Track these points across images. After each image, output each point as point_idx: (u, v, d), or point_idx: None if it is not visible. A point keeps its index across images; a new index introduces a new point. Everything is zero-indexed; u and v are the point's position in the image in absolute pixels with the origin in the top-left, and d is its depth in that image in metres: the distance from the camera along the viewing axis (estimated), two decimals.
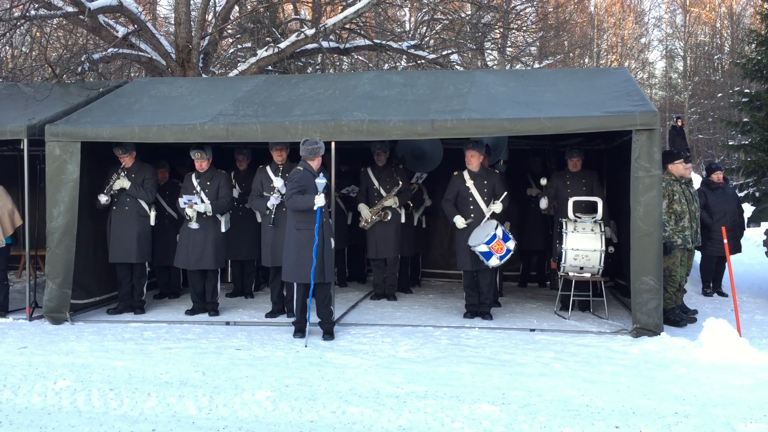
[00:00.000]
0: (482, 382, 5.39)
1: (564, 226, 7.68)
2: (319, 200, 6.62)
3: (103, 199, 7.81)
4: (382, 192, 8.79)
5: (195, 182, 7.83)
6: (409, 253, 9.34)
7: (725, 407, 4.82)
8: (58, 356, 6.18)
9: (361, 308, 8.40)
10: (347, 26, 13.69)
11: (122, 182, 7.87)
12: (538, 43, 24.52)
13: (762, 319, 7.87)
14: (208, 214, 7.77)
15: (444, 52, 16.47)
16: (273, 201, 7.67)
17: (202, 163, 7.82)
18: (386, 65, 17.08)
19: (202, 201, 7.76)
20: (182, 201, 7.73)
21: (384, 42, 14.36)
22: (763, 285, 9.99)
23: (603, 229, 7.63)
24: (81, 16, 11.10)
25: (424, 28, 18.34)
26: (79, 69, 11.21)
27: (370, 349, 6.40)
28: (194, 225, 7.76)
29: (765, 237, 9.49)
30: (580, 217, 7.78)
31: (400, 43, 14.50)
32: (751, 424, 4.51)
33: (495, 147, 8.98)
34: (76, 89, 9.12)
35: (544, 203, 8.37)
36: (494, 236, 7.36)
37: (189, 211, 7.74)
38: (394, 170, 8.91)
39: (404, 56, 15.34)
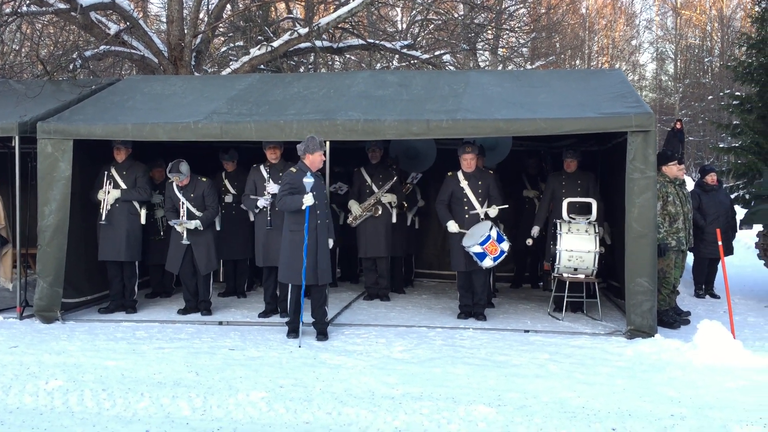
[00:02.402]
0: (478, 384, 5.38)
1: (558, 227, 7.67)
2: (307, 199, 6.55)
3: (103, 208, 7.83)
4: (375, 189, 8.74)
5: (179, 194, 7.74)
6: (401, 253, 9.30)
7: (721, 410, 4.82)
8: (50, 356, 6.11)
9: (354, 308, 8.37)
10: (340, 26, 13.65)
11: (114, 194, 7.83)
12: (529, 44, 24.56)
13: (754, 321, 7.89)
14: (199, 229, 7.73)
15: (437, 53, 16.44)
16: (262, 202, 7.64)
17: (182, 181, 7.73)
18: (378, 65, 17.04)
19: (192, 215, 7.72)
20: (173, 222, 7.70)
21: (377, 42, 14.33)
22: (755, 287, 10.04)
23: (597, 230, 7.63)
24: (73, 13, 11.01)
25: (417, 28, 18.32)
26: (71, 66, 11.12)
27: (364, 350, 6.37)
28: (185, 242, 7.73)
29: (757, 239, 9.54)
30: (574, 218, 7.78)
31: (393, 43, 14.46)
32: (747, 426, 4.51)
33: (491, 148, 8.95)
34: (68, 86, 9.03)
35: (535, 231, 8.22)
36: (488, 237, 7.35)
37: (179, 229, 7.72)
38: (388, 168, 8.88)
39: (397, 56, 15.32)
